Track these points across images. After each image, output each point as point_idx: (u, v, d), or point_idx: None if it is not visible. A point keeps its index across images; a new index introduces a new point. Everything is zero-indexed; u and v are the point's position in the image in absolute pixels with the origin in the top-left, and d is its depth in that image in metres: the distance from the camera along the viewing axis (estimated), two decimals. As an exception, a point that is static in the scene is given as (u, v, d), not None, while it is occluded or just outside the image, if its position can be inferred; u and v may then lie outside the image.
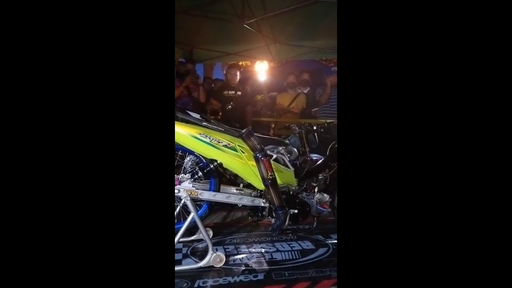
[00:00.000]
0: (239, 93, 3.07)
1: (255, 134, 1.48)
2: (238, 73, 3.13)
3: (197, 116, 1.47)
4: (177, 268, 1.32)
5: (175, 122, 1.38)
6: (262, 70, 3.32)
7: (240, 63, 4.94)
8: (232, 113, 2.99)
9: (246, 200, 1.55)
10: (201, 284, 1.22)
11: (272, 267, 1.39)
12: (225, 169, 1.53)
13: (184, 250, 1.51)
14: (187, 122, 1.41)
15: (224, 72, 4.46)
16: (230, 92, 3.08)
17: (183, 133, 1.38)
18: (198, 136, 1.39)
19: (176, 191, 1.39)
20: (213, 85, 3.69)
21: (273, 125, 3.31)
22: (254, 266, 1.40)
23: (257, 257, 1.48)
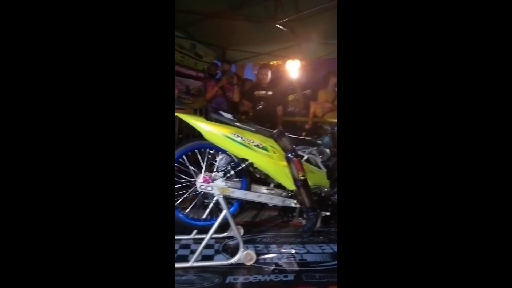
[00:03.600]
0: (270, 93, 3.07)
1: (286, 134, 1.48)
2: (269, 73, 3.14)
3: (230, 116, 1.50)
4: (209, 263, 1.37)
5: (210, 122, 1.43)
6: (294, 69, 3.29)
7: (272, 63, 4.94)
8: (262, 113, 3.01)
9: (276, 200, 1.56)
10: (232, 281, 1.25)
11: (303, 268, 1.38)
12: (256, 169, 1.55)
13: (216, 246, 1.56)
14: (220, 122, 1.46)
15: (255, 73, 4.50)
16: (261, 92, 3.10)
17: (217, 133, 1.42)
18: (231, 136, 1.43)
19: (209, 188, 1.44)
20: (243, 86, 3.74)
21: (305, 125, 3.26)
22: (285, 266, 1.40)
23: (287, 258, 1.48)
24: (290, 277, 1.30)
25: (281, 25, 2.99)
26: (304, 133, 3.01)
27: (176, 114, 1.62)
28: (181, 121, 1.64)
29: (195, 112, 3.42)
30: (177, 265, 1.33)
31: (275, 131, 1.45)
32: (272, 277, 1.29)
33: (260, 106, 3.05)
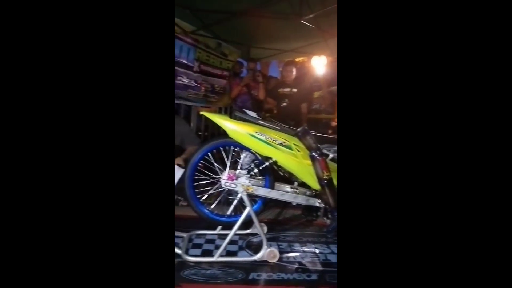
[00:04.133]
0: (295, 90, 3.04)
1: (311, 132, 1.46)
2: (294, 69, 3.10)
3: (254, 114, 1.51)
4: (233, 259, 1.40)
5: (234, 120, 1.45)
6: (320, 66, 3.22)
7: (297, 60, 4.87)
8: (287, 111, 2.99)
9: (300, 199, 1.55)
10: (255, 277, 1.26)
11: (326, 268, 1.36)
12: (280, 167, 1.55)
13: (240, 243, 1.59)
14: (244, 120, 1.47)
15: (280, 70, 4.47)
16: (285, 90, 3.07)
17: (241, 131, 1.44)
18: (255, 134, 1.44)
19: (233, 185, 1.47)
20: (268, 83, 3.74)
21: (331, 123, 3.19)
22: (308, 265, 1.39)
23: (311, 257, 1.47)
24: (314, 276, 1.28)
25: (306, 21, 2.93)
26: (330, 131, 2.95)
27: (201, 112, 1.66)
28: (207, 119, 1.68)
29: (220, 111, 3.49)
30: (202, 259, 1.37)
31: (299, 129, 1.44)
32: (295, 275, 1.29)
33: (285, 104, 3.03)
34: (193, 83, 3.49)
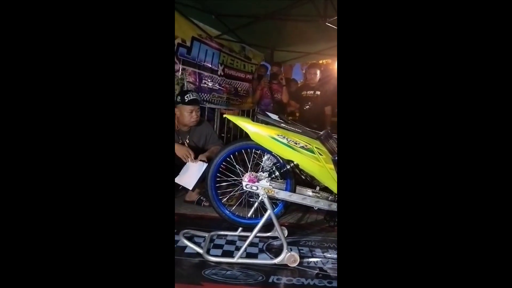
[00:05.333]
0: (318, 92, 3.00)
1: (334, 136, 1.43)
2: (318, 72, 3.07)
3: (276, 117, 1.51)
4: (253, 261, 1.40)
5: (256, 123, 1.47)
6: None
7: (320, 62, 4.80)
8: (310, 114, 2.96)
9: (322, 204, 1.52)
10: (275, 281, 1.26)
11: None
12: (302, 171, 1.53)
13: (260, 245, 1.59)
14: (266, 123, 1.48)
15: (303, 72, 4.43)
16: (309, 92, 3.05)
17: (263, 134, 1.45)
18: (276, 137, 1.44)
19: (254, 188, 1.48)
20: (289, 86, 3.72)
21: None
22: (329, 272, 1.35)
23: (332, 263, 1.43)
24: (334, 283, 1.25)
25: (330, 23, 2.89)
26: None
27: (225, 115, 1.70)
28: (229, 121, 1.71)
29: (243, 114, 3.53)
30: (223, 259, 1.39)
31: (322, 132, 1.42)
32: (316, 281, 1.26)
33: (307, 107, 3.00)
34: (217, 86, 3.57)
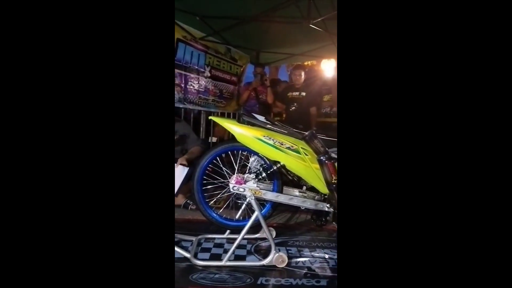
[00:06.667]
0: (304, 94, 3.04)
1: (319, 136, 1.45)
2: (302, 73, 3.11)
3: (262, 118, 1.52)
4: (241, 263, 1.40)
5: (242, 124, 1.46)
6: (329, 69, 3.20)
7: (305, 63, 4.86)
8: (296, 115, 2.98)
9: (309, 204, 1.53)
10: (263, 282, 1.25)
11: (336, 274, 1.33)
12: (289, 171, 1.54)
13: (248, 247, 1.58)
14: (252, 124, 1.48)
15: (289, 74, 4.47)
16: (294, 94, 3.08)
17: (248, 135, 1.45)
18: (262, 138, 1.44)
19: (241, 189, 1.47)
20: (277, 87, 3.75)
21: None
22: (317, 271, 1.37)
23: (320, 262, 1.45)
24: (323, 282, 1.26)
25: (314, 25, 2.93)
26: (339, 135, 2.91)
27: (210, 117, 1.69)
28: (215, 123, 1.70)
29: (229, 116, 3.51)
30: (210, 263, 1.38)
31: (307, 133, 1.43)
32: (304, 281, 1.27)
33: (294, 108, 3.03)
34: (203, 88, 3.55)
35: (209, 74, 3.61)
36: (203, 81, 3.55)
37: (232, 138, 1.53)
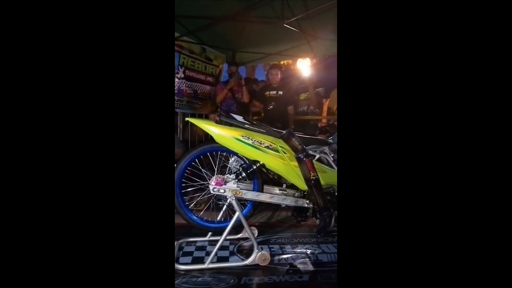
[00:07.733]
0: (281, 92, 3.07)
1: (296, 134, 1.47)
2: (279, 72, 3.14)
3: (240, 118, 1.52)
4: (224, 264, 1.39)
5: (220, 125, 1.45)
6: (304, 68, 3.26)
7: (281, 62, 4.92)
8: (274, 114, 3.01)
9: (289, 201, 1.56)
10: (247, 282, 1.26)
11: (318, 268, 1.37)
12: (269, 170, 1.55)
13: (231, 248, 1.58)
14: (230, 124, 1.47)
15: (266, 73, 4.50)
16: (271, 93, 3.10)
17: (227, 136, 1.44)
18: (241, 138, 1.44)
19: (221, 191, 1.46)
20: (254, 86, 3.75)
21: (319, 124, 3.23)
22: (299, 266, 1.39)
23: (302, 258, 1.47)
24: (305, 277, 1.29)
25: (288, 25, 2.98)
26: (317, 132, 2.99)
27: (187, 118, 1.65)
28: (193, 125, 1.67)
29: (206, 117, 3.47)
30: (193, 266, 1.36)
31: (284, 131, 1.45)
32: (287, 277, 1.29)
33: (271, 107, 3.06)
34: (176, 90, 3.47)
35: (182, 75, 3.54)
36: (177, 82, 3.47)
37: (210, 139, 1.51)
